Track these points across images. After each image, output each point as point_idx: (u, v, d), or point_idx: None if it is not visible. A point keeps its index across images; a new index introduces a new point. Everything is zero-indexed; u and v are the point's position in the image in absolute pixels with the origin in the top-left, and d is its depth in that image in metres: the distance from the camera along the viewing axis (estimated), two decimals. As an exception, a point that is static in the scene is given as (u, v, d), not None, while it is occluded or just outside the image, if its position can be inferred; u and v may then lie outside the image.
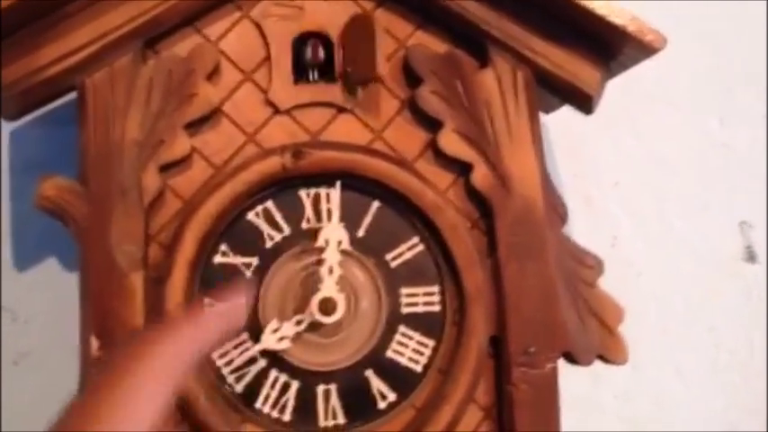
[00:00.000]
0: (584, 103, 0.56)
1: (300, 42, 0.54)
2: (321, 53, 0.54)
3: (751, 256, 0.74)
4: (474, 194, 0.54)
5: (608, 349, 0.54)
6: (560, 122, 0.67)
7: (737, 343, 0.73)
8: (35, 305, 0.63)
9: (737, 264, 0.73)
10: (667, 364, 0.71)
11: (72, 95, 0.54)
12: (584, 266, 0.55)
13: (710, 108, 0.75)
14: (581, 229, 0.71)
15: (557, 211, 0.55)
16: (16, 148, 0.64)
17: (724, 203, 0.74)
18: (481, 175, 0.54)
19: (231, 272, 0.52)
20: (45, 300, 0.63)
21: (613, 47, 0.54)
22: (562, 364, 0.55)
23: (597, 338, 0.54)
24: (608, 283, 0.58)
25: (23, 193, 0.65)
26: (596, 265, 0.55)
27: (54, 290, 0.63)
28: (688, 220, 0.73)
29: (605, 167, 0.73)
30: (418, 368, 0.53)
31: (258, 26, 0.53)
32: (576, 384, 0.58)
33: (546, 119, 0.64)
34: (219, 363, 0.51)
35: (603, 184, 0.73)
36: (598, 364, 0.58)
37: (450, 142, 0.54)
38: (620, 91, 0.60)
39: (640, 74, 0.60)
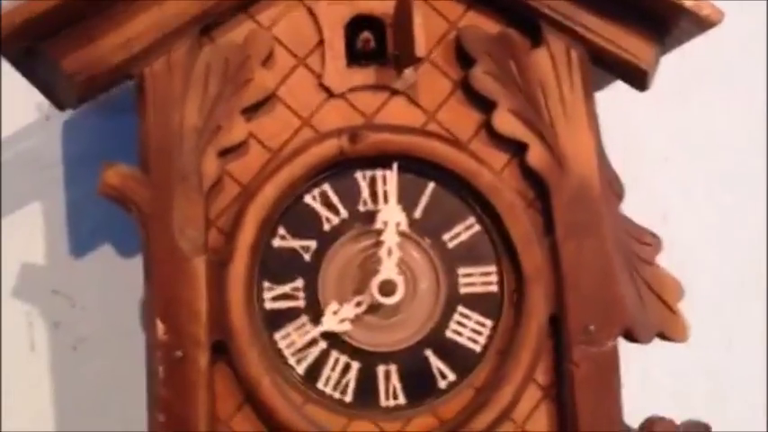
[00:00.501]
0: (639, 80, 0.56)
1: (353, 26, 0.55)
2: (372, 43, 0.54)
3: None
4: (529, 174, 0.54)
5: (668, 327, 0.54)
6: (609, 99, 0.67)
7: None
8: (92, 292, 0.65)
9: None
10: (720, 340, 0.72)
11: (124, 85, 0.55)
12: (641, 244, 0.55)
13: (760, 82, 0.74)
14: (630, 207, 0.71)
15: (613, 188, 0.55)
16: (70, 139, 0.66)
17: (775, 177, 0.74)
18: (537, 155, 0.54)
19: (290, 255, 0.53)
20: (101, 286, 0.65)
21: (669, 21, 0.54)
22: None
23: (657, 316, 0.54)
24: (659, 261, 0.59)
25: (78, 182, 0.66)
26: (654, 243, 0.55)
27: (110, 276, 0.65)
28: (739, 195, 0.74)
29: (655, 144, 0.73)
30: (477, 348, 0.54)
31: (311, 11, 0.54)
32: (629, 362, 0.59)
33: (595, 95, 0.64)
34: (281, 345, 0.53)
35: (653, 160, 0.73)
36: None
37: (505, 122, 0.54)
38: (670, 65, 0.60)
39: (690, 48, 0.60)
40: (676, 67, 0.64)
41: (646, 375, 0.69)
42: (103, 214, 0.65)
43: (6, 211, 0.65)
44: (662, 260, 0.58)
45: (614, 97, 0.66)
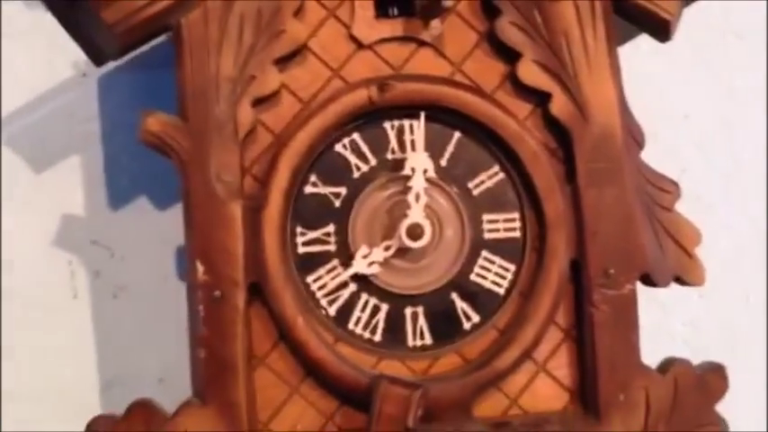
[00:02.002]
0: (662, 30, 0.57)
1: None
2: None
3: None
4: (552, 123, 0.56)
5: (685, 271, 0.56)
6: (629, 54, 0.68)
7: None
8: (130, 242, 0.67)
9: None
10: (736, 293, 0.73)
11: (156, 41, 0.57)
12: (661, 191, 0.57)
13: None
14: (649, 162, 0.73)
15: (634, 137, 0.56)
16: (106, 94, 0.67)
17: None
18: (560, 104, 0.55)
19: (321, 201, 0.55)
20: (139, 236, 0.67)
21: (692, -28, 0.55)
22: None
23: (674, 260, 0.56)
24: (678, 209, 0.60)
25: (115, 137, 0.68)
26: (674, 190, 0.57)
27: (146, 227, 0.67)
28: (757, 151, 0.75)
29: (674, 100, 0.74)
30: (501, 291, 0.56)
31: (341, -37, 0.56)
32: (645, 312, 0.60)
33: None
34: (313, 287, 0.55)
35: (672, 116, 0.74)
36: (668, 293, 0.60)
37: (529, 72, 0.55)
38: (690, 23, 0.61)
39: (709, 5, 0.61)
40: (695, 23, 0.65)
41: (663, 328, 0.71)
42: (139, 168, 0.68)
43: (46, 165, 0.67)
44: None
45: (634, 53, 0.68)
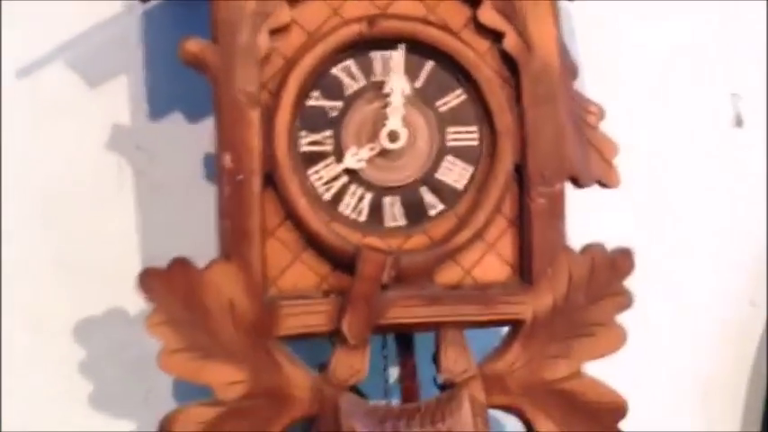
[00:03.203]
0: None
1: None
2: None
3: (738, 122, 0.88)
4: (505, 56, 0.69)
5: (605, 176, 0.71)
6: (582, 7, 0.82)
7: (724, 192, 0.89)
8: (166, 147, 0.81)
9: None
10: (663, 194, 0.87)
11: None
12: (588, 112, 0.71)
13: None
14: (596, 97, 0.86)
15: (569, 69, 0.70)
16: (149, 25, 0.80)
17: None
18: (511, 41, 0.69)
19: (321, 112, 0.69)
20: (174, 143, 0.81)
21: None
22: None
23: (596, 167, 0.70)
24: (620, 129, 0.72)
25: (156, 60, 0.81)
26: (598, 112, 0.71)
27: (180, 135, 0.81)
28: (687, 89, 0.87)
29: (618, 43, 0.87)
30: (460, 186, 0.70)
31: None
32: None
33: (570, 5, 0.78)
34: (313, 178, 0.69)
35: (617, 56, 0.86)
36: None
37: (488, 15, 0.69)
38: None
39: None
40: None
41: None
42: (175, 87, 0.81)
43: (100, 83, 0.80)
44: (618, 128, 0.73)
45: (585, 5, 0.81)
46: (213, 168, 0.74)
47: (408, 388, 0.73)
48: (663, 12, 0.87)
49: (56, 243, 0.80)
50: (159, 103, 0.81)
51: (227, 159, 0.66)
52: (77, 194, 0.80)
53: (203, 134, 0.79)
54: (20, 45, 0.79)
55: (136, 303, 0.77)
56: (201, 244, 0.72)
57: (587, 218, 0.74)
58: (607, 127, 0.72)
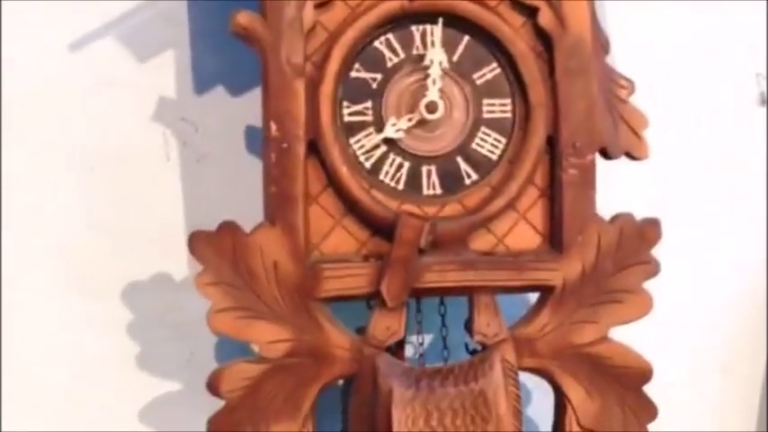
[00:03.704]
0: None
1: None
2: None
3: (763, 101, 0.91)
4: (539, 31, 0.72)
5: (634, 147, 0.74)
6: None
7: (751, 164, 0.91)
8: (210, 119, 0.84)
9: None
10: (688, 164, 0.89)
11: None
12: (619, 86, 0.74)
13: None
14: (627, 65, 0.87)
15: (601, 44, 0.73)
16: (193, 2, 0.84)
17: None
18: (545, 17, 0.72)
19: (363, 84, 0.72)
20: (217, 115, 0.84)
21: None
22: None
23: (625, 139, 0.73)
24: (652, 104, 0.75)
25: (202, 36, 0.83)
26: (629, 86, 0.74)
27: (223, 108, 0.84)
28: (713, 70, 0.90)
29: (644, 28, 0.89)
30: (494, 157, 0.73)
31: None
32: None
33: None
34: (354, 147, 0.72)
35: (642, 43, 0.89)
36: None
37: None
38: None
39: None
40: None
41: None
42: (219, 62, 0.84)
43: (147, 56, 0.83)
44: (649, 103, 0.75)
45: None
46: (255, 139, 0.78)
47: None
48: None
49: (105, 210, 0.83)
50: (203, 76, 0.84)
51: (274, 128, 0.69)
52: (126, 164, 0.84)
53: (245, 107, 0.83)
54: (72, 21, 0.82)
55: (181, 269, 0.82)
56: (244, 213, 0.75)
57: (614, 189, 0.77)
58: (637, 100, 0.75)
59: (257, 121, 0.73)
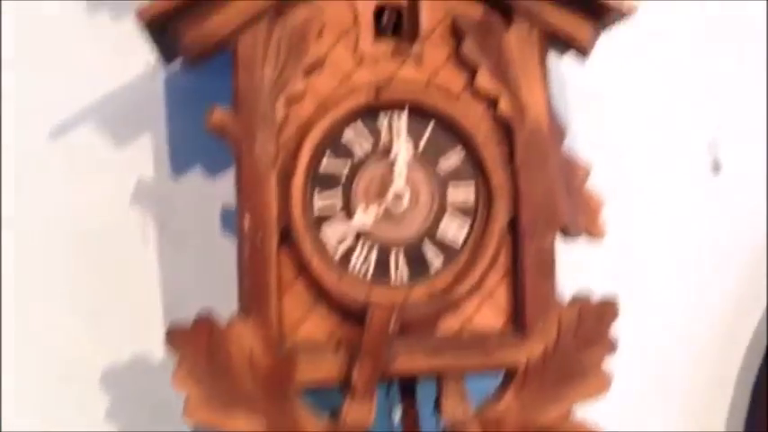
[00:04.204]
0: (582, 52, 0.77)
1: (379, 10, 0.76)
2: (393, 19, 0.76)
3: (716, 167, 0.95)
4: (499, 120, 0.75)
5: (591, 227, 0.76)
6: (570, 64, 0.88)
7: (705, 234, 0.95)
8: (188, 200, 0.86)
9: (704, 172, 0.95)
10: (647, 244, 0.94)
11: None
12: (576, 170, 0.77)
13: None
14: (587, 146, 0.91)
15: (558, 130, 0.76)
16: (171, 86, 0.86)
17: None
18: (505, 105, 0.75)
19: (332, 173, 0.75)
20: (195, 196, 0.86)
21: (601, 11, 0.75)
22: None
23: (583, 220, 0.76)
24: (609, 188, 0.78)
25: (179, 117, 0.87)
26: (585, 169, 0.77)
27: (200, 189, 0.86)
28: (669, 136, 0.94)
29: (608, 95, 0.93)
30: (459, 241, 0.76)
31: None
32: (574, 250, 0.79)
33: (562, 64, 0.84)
34: (325, 236, 0.74)
35: (606, 108, 0.93)
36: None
37: (484, 82, 0.75)
38: (614, 34, 0.79)
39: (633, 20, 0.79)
40: (619, 34, 0.82)
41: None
42: (196, 143, 0.86)
43: (124, 140, 0.86)
44: (610, 188, 0.79)
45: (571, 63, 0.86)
46: (231, 220, 0.80)
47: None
48: (643, 61, 0.93)
49: (85, 295, 0.86)
50: (181, 158, 0.87)
51: (247, 221, 0.72)
52: (105, 247, 0.86)
53: (220, 188, 0.86)
54: (51, 106, 0.85)
55: (159, 351, 0.84)
56: (221, 292, 0.77)
57: (573, 266, 0.81)
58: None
59: (234, 202, 0.75)
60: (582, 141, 0.87)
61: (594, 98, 0.91)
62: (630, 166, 0.93)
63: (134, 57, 0.85)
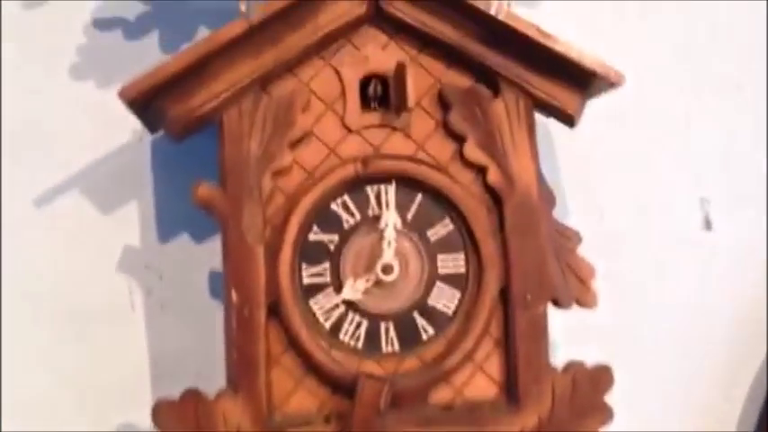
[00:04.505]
0: (569, 121, 0.77)
1: (365, 81, 0.75)
2: (379, 89, 0.75)
3: (708, 226, 0.94)
4: (488, 188, 0.75)
5: (583, 297, 0.76)
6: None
7: (694, 291, 0.94)
8: (175, 267, 0.86)
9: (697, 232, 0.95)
10: (640, 307, 0.93)
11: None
12: (566, 238, 0.76)
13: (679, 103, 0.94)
14: (576, 208, 0.92)
15: (547, 199, 0.76)
16: (157, 152, 0.86)
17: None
18: (494, 175, 0.75)
19: (320, 246, 0.74)
20: (182, 263, 0.85)
21: (587, 81, 0.75)
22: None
23: (575, 289, 0.76)
24: (598, 249, 0.78)
25: (164, 184, 0.86)
26: (575, 237, 0.77)
27: (188, 256, 0.86)
28: (658, 196, 0.93)
29: (596, 156, 0.93)
30: (449, 311, 0.75)
31: (336, 70, 0.75)
32: (567, 318, 0.78)
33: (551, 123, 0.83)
34: (314, 308, 0.74)
35: (594, 170, 0.92)
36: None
37: (472, 152, 0.75)
38: (608, 100, 0.80)
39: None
40: (611, 99, 0.83)
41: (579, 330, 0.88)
42: (182, 209, 0.84)
43: (110, 207, 0.86)
44: (598, 249, 0.79)
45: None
46: (219, 284, 0.80)
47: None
48: (631, 121, 0.92)
49: (71, 365, 0.84)
50: (167, 224, 0.86)
51: (235, 295, 0.71)
52: (91, 316, 0.85)
53: (208, 254, 0.85)
54: (38, 175, 0.84)
55: (146, 420, 0.79)
56: (209, 360, 0.78)
57: (567, 334, 0.80)
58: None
59: (221, 267, 0.75)
60: (570, 204, 0.87)
61: (582, 159, 0.91)
62: (618, 226, 0.92)
63: (120, 124, 0.84)
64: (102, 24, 0.86)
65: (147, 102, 0.71)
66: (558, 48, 0.73)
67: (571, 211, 0.88)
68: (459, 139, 0.75)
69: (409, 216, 0.75)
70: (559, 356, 0.77)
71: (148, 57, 0.84)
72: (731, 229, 0.93)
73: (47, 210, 0.85)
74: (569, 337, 0.81)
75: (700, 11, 0.93)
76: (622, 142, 0.92)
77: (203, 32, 0.85)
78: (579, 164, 0.92)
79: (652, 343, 0.92)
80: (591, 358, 0.76)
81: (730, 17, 0.93)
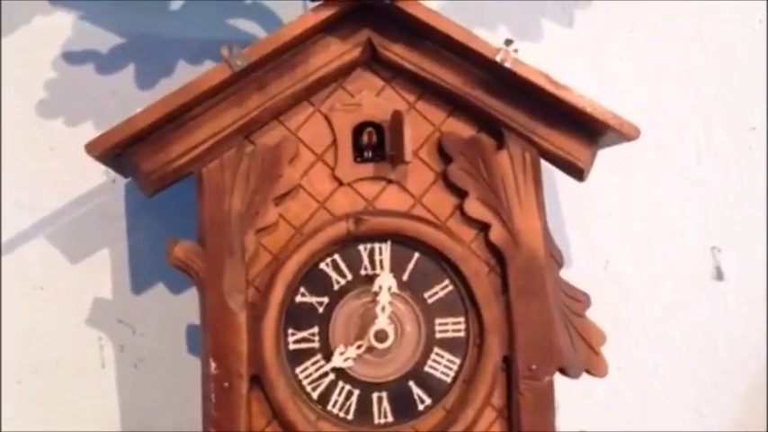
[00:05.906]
0: (578, 174, 0.71)
1: (359, 129, 0.70)
2: (374, 138, 0.69)
3: (719, 275, 0.89)
4: (491, 247, 0.70)
5: (592, 365, 0.71)
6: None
7: (706, 345, 0.89)
8: (149, 321, 0.80)
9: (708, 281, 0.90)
10: (647, 365, 0.88)
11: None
12: (575, 301, 0.71)
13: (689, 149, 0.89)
14: (579, 254, 0.87)
15: (554, 258, 0.71)
16: (130, 197, 0.80)
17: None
18: (497, 233, 0.69)
19: (308, 309, 0.69)
20: (156, 316, 0.80)
21: (599, 133, 0.69)
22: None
23: (584, 357, 0.70)
24: (602, 298, 0.73)
25: (138, 232, 0.81)
26: (585, 300, 0.71)
27: (163, 309, 0.80)
28: (668, 243, 0.89)
29: (600, 201, 0.88)
30: (448, 379, 0.70)
31: (327, 118, 0.69)
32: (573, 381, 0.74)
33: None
34: (301, 377, 0.68)
35: (599, 215, 0.88)
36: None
37: (474, 207, 0.69)
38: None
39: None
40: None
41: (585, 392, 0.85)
42: (157, 260, 0.79)
43: (81, 257, 0.80)
44: (605, 298, 0.74)
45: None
46: (196, 339, 0.73)
47: None
48: (640, 171, 0.87)
49: (38, 419, 0.78)
50: (141, 275, 0.80)
51: (213, 366, 0.65)
52: (59, 372, 0.79)
53: (185, 307, 0.79)
54: (3, 218, 0.78)
55: None
56: (184, 419, 0.73)
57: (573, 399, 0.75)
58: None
59: (198, 320, 0.69)
60: (576, 261, 0.82)
61: (589, 212, 0.86)
62: (628, 273, 0.87)
63: (92, 164, 0.76)
64: (74, 58, 0.80)
65: (117, 155, 0.66)
66: (570, 98, 0.67)
67: (574, 259, 0.83)
68: (460, 194, 0.69)
69: (405, 277, 0.69)
70: (560, 416, 0.72)
71: (124, 92, 0.79)
72: (744, 278, 0.89)
73: (11, 256, 0.79)
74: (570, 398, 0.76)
75: (711, 50, 0.88)
76: (631, 194, 0.86)
77: (182, 67, 0.80)
78: (582, 210, 0.87)
79: (662, 403, 0.87)
80: (595, 418, 0.71)
81: (742, 59, 0.88)
